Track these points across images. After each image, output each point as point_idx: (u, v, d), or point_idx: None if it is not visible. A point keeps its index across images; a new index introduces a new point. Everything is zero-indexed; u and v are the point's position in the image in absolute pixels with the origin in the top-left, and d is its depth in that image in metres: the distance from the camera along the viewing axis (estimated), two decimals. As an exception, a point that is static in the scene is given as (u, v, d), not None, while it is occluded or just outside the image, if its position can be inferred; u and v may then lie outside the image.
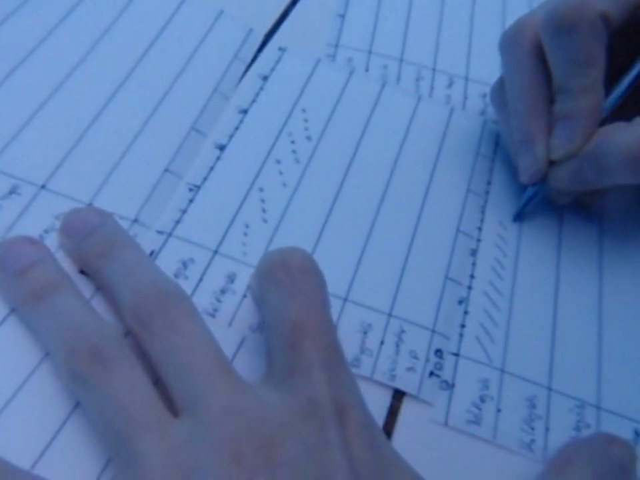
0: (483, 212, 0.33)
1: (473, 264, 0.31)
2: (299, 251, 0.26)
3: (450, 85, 0.38)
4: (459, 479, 0.25)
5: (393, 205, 0.32)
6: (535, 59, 0.30)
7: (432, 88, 0.38)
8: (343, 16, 0.40)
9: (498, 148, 0.36)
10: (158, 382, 0.23)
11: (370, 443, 0.22)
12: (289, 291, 0.24)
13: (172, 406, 0.22)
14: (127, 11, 0.36)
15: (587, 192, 0.32)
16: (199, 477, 0.20)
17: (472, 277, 0.30)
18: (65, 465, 0.22)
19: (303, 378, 0.22)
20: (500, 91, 0.33)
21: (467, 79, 0.39)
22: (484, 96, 0.38)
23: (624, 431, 0.27)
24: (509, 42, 0.31)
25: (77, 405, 0.23)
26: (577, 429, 0.26)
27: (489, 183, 0.34)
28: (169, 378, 0.23)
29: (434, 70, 0.39)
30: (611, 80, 0.30)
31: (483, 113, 0.37)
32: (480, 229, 0.32)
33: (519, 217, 0.33)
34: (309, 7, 0.40)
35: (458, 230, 0.32)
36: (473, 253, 0.31)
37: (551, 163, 0.31)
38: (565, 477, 0.23)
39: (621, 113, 0.29)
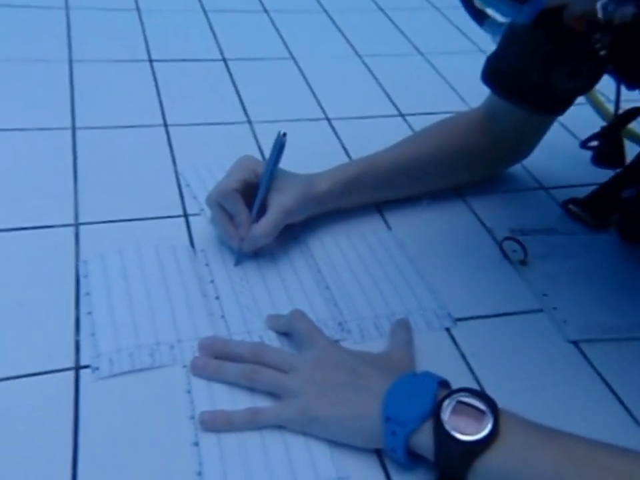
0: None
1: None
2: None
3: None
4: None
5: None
6: (221, 208, 0.74)
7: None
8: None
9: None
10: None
11: (353, 351, 0.63)
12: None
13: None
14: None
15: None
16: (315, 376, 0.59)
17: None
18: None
19: (316, 344, 0.62)
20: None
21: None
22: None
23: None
24: (208, 202, 0.75)
25: (252, 390, 0.61)
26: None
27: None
28: (278, 366, 0.61)
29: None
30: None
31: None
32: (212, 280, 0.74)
33: (238, 263, 0.75)
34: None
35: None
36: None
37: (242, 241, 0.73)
38: (394, 336, 0.67)
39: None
